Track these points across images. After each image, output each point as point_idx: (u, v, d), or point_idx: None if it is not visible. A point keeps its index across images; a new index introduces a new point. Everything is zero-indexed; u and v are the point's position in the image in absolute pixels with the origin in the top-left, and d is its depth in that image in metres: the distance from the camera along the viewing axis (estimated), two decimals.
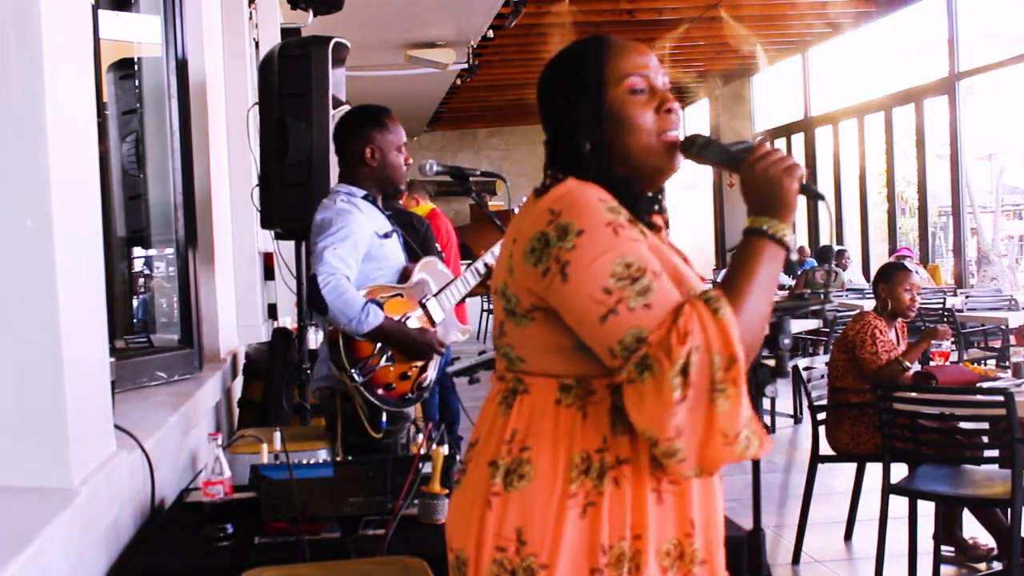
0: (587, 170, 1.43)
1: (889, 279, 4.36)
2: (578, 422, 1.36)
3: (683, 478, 1.35)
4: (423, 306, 3.01)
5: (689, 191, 18.41)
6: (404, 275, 3.02)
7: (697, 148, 1.50)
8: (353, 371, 2.78)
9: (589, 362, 1.36)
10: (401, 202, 6.30)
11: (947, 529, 3.93)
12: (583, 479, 1.34)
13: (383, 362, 2.84)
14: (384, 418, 2.88)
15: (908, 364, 4.14)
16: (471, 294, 3.28)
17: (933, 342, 4.25)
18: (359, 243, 2.85)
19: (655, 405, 1.26)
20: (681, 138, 1.50)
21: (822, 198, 1.49)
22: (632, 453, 1.36)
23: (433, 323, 3.03)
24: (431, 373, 3.01)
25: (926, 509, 3.70)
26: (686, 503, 1.40)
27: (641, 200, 1.46)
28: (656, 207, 1.51)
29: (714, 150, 1.50)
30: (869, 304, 8.13)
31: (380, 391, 2.84)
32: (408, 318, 2.94)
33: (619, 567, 1.34)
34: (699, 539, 1.41)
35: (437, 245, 5.76)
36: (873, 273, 12.08)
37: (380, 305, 2.80)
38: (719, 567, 1.45)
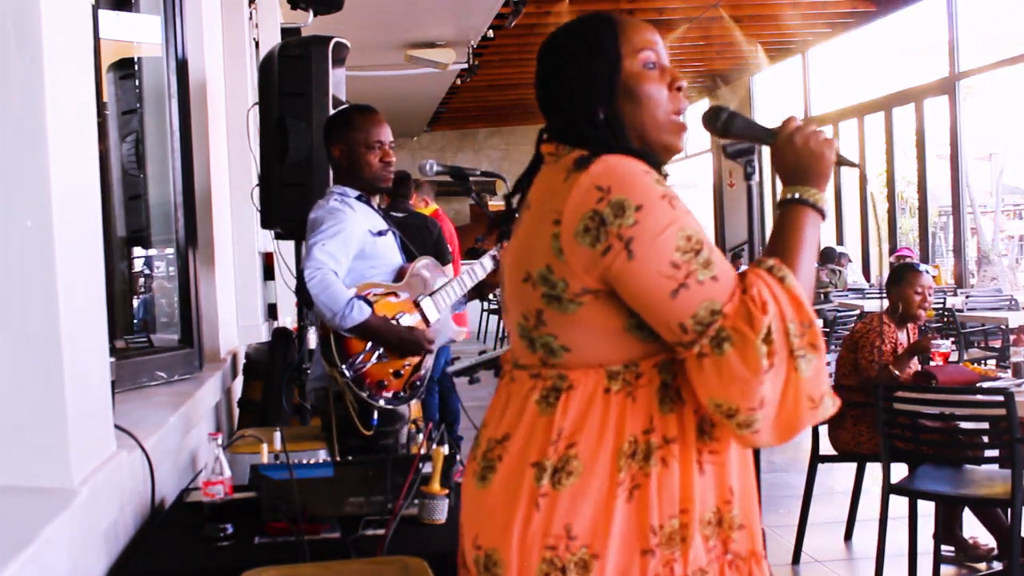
0: (602, 142, 1.40)
1: (899, 282, 4.30)
2: (628, 408, 1.35)
3: (755, 446, 1.37)
4: (417, 305, 3.01)
5: (689, 191, 18.40)
6: (400, 274, 3.02)
7: (723, 121, 1.50)
8: (343, 367, 2.78)
9: (638, 343, 1.36)
10: (410, 202, 6.31)
11: (947, 529, 3.93)
12: (629, 464, 1.33)
13: (375, 359, 2.84)
14: (375, 416, 2.87)
15: (897, 373, 4.11)
16: (482, 295, 3.27)
17: (933, 343, 4.24)
18: (350, 240, 2.85)
19: (741, 376, 1.26)
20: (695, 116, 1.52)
21: (857, 165, 1.56)
22: (679, 430, 1.36)
23: (428, 323, 3.02)
24: (425, 372, 3.01)
25: (926, 509, 3.70)
26: (725, 471, 1.40)
27: (661, 173, 1.43)
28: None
29: (740, 123, 1.51)
30: (869, 304, 8.16)
31: (372, 388, 2.83)
32: (402, 316, 2.93)
33: (670, 545, 1.33)
34: (737, 505, 1.41)
35: (449, 246, 5.77)
36: (874, 273, 12.10)
37: (370, 303, 2.79)
38: (757, 532, 1.44)
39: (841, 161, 1.49)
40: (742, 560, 1.42)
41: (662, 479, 1.34)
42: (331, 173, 3.25)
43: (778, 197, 1.47)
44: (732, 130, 1.52)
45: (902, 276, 4.33)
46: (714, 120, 1.51)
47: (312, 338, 3.88)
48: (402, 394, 2.92)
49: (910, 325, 4.41)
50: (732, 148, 1.61)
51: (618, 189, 1.31)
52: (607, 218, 1.30)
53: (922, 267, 4.37)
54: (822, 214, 1.43)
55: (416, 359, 2.95)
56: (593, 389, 1.36)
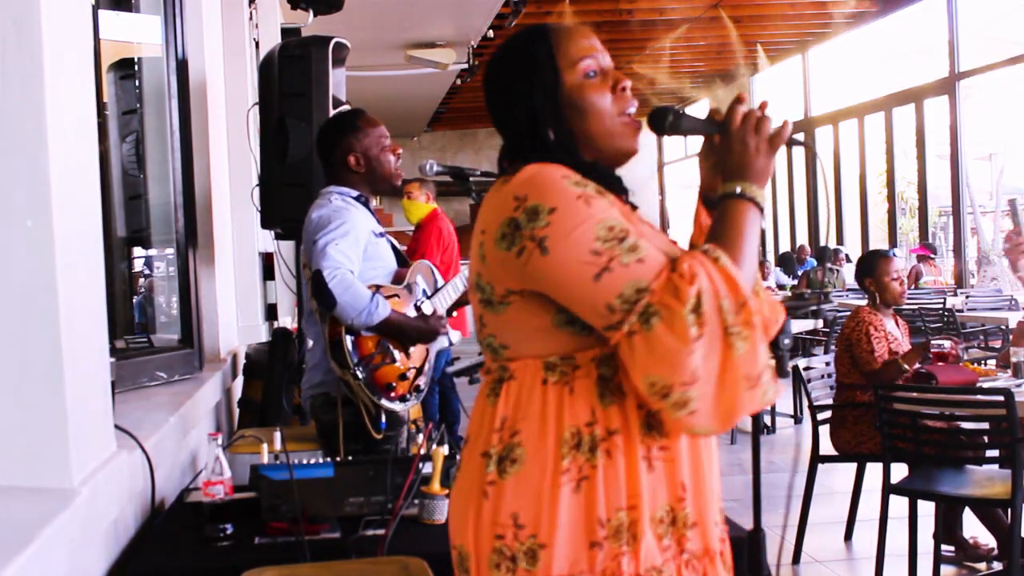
0: (552, 159, 1.42)
1: (872, 271, 4.34)
2: (565, 398, 1.36)
3: (696, 433, 1.35)
4: (418, 308, 3.01)
5: (689, 191, 18.40)
6: (397, 277, 3.02)
7: (670, 122, 1.48)
8: (357, 370, 2.77)
9: (571, 337, 1.37)
10: (410, 195, 6.30)
11: (947, 529, 3.93)
12: (575, 454, 1.34)
13: (384, 361, 2.84)
14: (383, 420, 2.87)
15: (906, 367, 4.12)
16: (464, 302, 3.26)
17: (934, 342, 4.24)
18: (359, 240, 2.85)
19: (671, 347, 1.26)
20: (643, 117, 1.51)
21: (804, 144, 1.55)
22: (622, 423, 1.36)
23: None
24: (427, 376, 3.02)
25: (926, 509, 3.70)
26: (676, 468, 1.40)
27: (610, 181, 1.45)
28: (623, 189, 1.49)
29: (687, 123, 1.49)
30: None
31: (381, 391, 2.84)
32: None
33: (618, 539, 1.34)
34: (690, 503, 1.41)
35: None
36: None
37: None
38: (711, 529, 1.44)
39: (792, 143, 1.49)
40: (697, 559, 1.42)
41: (607, 471, 1.35)
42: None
43: (719, 190, 1.44)
44: (681, 130, 1.50)
45: (874, 265, 4.36)
46: (661, 122, 1.49)
47: (309, 341, 3.89)
48: (408, 397, 2.92)
49: (898, 318, 4.44)
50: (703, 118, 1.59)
51: (533, 196, 1.34)
52: (521, 223, 1.34)
53: (891, 252, 4.41)
54: (762, 210, 1.43)
55: (419, 363, 2.95)
56: (532, 379, 1.38)
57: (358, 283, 2.73)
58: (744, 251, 1.37)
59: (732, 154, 1.44)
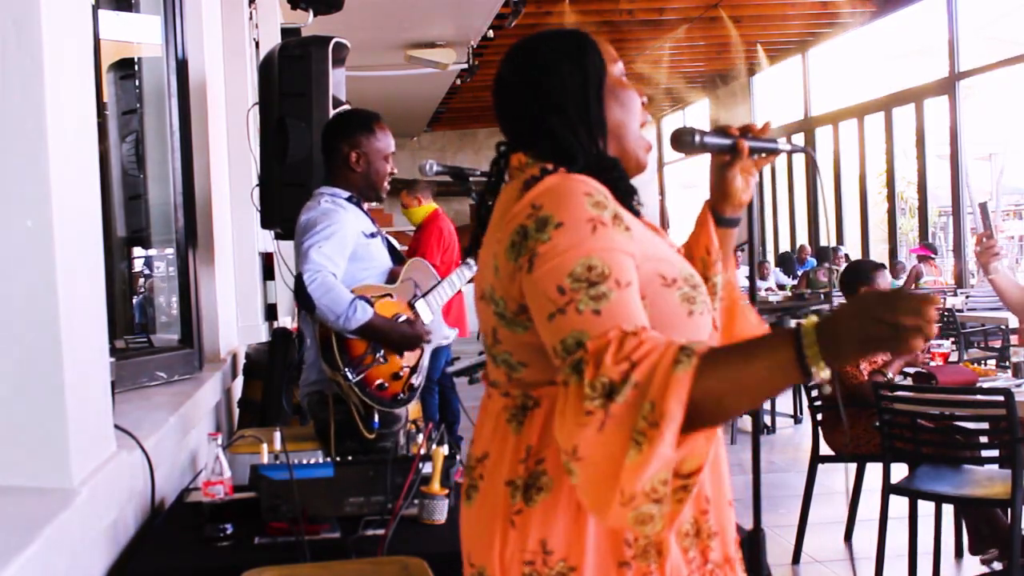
0: (580, 147, 1.41)
1: (869, 280, 4.33)
2: None
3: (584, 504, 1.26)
4: (412, 307, 3.02)
5: (689, 191, 18.41)
6: (391, 277, 3.02)
7: (698, 142, 1.51)
8: (346, 371, 2.78)
9: None
10: (405, 205, 6.33)
11: (977, 535, 3.91)
12: None
13: (375, 362, 2.84)
14: (376, 419, 2.88)
15: (891, 375, 4.12)
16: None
17: (933, 342, 4.24)
18: (346, 241, 2.85)
19: (567, 410, 1.19)
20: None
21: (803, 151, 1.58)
22: None
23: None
24: (421, 374, 3.02)
25: (926, 509, 3.70)
26: (700, 482, 1.37)
27: (626, 182, 1.44)
28: (634, 196, 1.48)
29: (710, 139, 1.52)
30: None
31: (373, 390, 2.84)
32: (399, 318, 2.94)
33: (646, 557, 1.33)
34: (712, 514, 1.42)
35: None
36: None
37: (370, 303, 2.80)
38: (729, 538, 1.45)
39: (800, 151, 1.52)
40: (719, 568, 1.43)
41: None
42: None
43: (805, 321, 1.16)
44: (705, 148, 1.53)
45: (870, 275, 4.35)
46: (689, 141, 1.50)
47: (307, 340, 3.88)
48: (401, 396, 2.93)
49: None
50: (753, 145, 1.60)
51: (548, 206, 1.30)
52: (529, 232, 1.29)
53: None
54: (803, 376, 1.14)
55: (413, 361, 2.95)
56: (556, 405, 1.33)
57: (339, 286, 2.73)
58: (735, 379, 1.16)
59: (851, 315, 1.13)
